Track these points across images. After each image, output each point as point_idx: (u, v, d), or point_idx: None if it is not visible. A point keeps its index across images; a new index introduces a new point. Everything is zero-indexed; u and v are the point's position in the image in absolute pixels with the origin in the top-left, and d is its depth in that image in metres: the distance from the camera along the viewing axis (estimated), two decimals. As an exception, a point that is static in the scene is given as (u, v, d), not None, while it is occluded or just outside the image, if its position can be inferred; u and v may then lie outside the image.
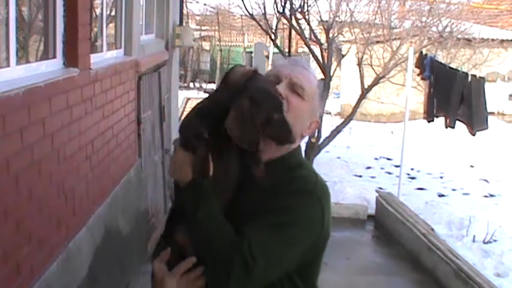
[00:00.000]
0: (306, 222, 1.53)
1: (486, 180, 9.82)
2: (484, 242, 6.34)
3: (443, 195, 8.76)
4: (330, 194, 1.62)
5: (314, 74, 1.74)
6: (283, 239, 1.48)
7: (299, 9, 8.90)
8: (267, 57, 17.70)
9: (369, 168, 10.59)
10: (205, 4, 25.89)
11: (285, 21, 9.86)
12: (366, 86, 9.03)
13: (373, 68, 9.57)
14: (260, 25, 9.90)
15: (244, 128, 1.47)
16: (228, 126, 1.46)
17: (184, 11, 11.11)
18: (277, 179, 1.56)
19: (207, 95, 1.63)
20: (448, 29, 10.21)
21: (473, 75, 7.99)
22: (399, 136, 8.92)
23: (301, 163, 1.67)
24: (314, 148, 8.60)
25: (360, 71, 9.10)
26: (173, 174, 1.55)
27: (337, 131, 8.90)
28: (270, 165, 1.59)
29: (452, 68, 8.33)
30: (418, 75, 8.66)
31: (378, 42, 10.27)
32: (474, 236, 6.45)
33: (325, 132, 8.83)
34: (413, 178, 9.87)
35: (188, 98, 16.71)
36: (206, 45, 24.09)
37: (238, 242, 1.43)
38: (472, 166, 10.90)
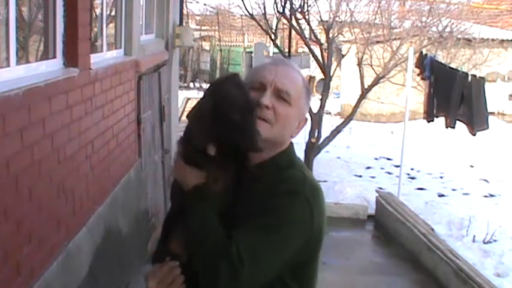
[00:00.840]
0: (294, 223, 1.52)
1: (486, 180, 9.82)
2: (484, 242, 6.34)
3: (443, 195, 8.76)
4: (321, 193, 1.60)
5: (299, 70, 1.70)
6: (272, 241, 1.48)
7: (299, 9, 8.90)
8: (267, 57, 17.70)
9: (369, 168, 10.60)
10: (205, 4, 25.90)
11: (285, 21, 9.87)
12: (366, 86, 9.03)
13: (373, 68, 9.58)
14: (260, 25, 9.90)
15: (199, 126, 1.49)
16: (188, 119, 1.52)
17: (184, 11, 11.12)
18: (269, 180, 1.56)
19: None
20: (448, 29, 10.21)
21: (473, 75, 8.00)
22: (399, 136, 8.92)
23: (292, 162, 1.66)
24: (314, 148, 8.61)
25: (360, 71, 9.10)
26: (176, 176, 1.58)
27: (337, 131, 8.90)
28: (262, 167, 1.59)
29: (452, 68, 8.34)
30: (418, 75, 8.66)
31: (378, 42, 10.27)
32: (474, 236, 6.45)
33: (325, 132, 8.84)
34: (413, 178, 9.87)
35: (188, 98, 16.70)
36: (206, 45, 24.08)
37: (227, 246, 1.44)
38: (472, 166, 10.90)
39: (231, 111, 1.47)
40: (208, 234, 1.48)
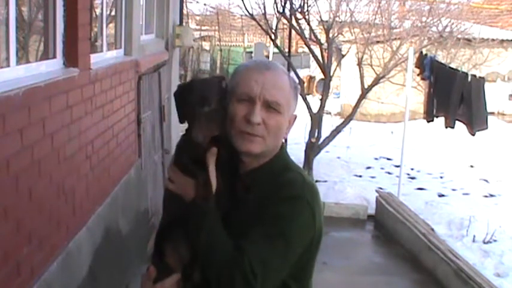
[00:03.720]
0: (299, 229, 1.52)
1: (486, 180, 9.82)
2: (484, 242, 6.34)
3: (443, 195, 8.75)
4: (319, 194, 1.60)
5: (284, 70, 1.65)
6: (280, 249, 1.49)
7: (299, 9, 8.90)
8: (267, 57, 17.70)
9: (369, 168, 10.59)
10: (205, 4, 25.84)
11: (285, 21, 9.86)
12: (366, 86, 9.03)
13: (373, 68, 9.57)
14: (260, 25, 9.88)
15: (183, 106, 1.55)
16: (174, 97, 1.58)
17: (184, 11, 11.11)
18: (266, 187, 1.56)
19: None
20: (448, 29, 10.22)
21: (473, 75, 7.99)
22: (399, 136, 8.91)
23: (287, 165, 1.64)
24: (314, 148, 8.61)
25: (360, 71, 9.10)
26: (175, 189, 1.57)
27: (337, 131, 8.90)
28: (256, 174, 1.59)
29: (452, 68, 8.33)
30: (418, 75, 8.66)
31: (378, 42, 10.27)
32: (474, 236, 6.45)
33: (325, 132, 8.83)
34: (413, 178, 9.86)
35: (188, 98, 16.71)
36: (206, 45, 24.05)
37: (239, 260, 1.43)
38: (472, 166, 10.89)
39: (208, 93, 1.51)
40: (218, 248, 1.47)
